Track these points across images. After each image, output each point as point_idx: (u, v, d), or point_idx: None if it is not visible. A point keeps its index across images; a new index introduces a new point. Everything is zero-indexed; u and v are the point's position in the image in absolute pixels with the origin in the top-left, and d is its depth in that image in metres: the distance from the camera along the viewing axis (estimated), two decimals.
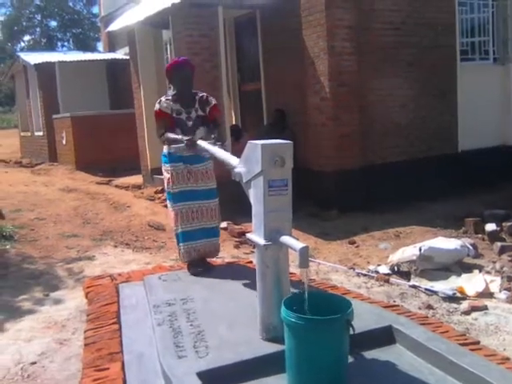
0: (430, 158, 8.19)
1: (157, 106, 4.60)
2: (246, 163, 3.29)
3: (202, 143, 4.24)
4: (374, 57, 7.90)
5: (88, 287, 4.64)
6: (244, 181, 3.32)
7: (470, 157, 8.44)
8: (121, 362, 3.14)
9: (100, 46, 29.60)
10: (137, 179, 10.83)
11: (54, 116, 14.54)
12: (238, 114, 10.40)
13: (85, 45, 37.59)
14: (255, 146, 3.14)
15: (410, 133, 8.22)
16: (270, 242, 3.06)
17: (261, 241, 3.10)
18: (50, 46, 39.17)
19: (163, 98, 4.62)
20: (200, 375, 2.78)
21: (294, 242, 2.92)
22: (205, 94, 4.70)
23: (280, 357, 2.84)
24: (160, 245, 6.64)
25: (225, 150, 4.04)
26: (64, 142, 13.86)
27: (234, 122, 9.91)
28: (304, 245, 2.81)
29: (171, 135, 4.45)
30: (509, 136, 9.16)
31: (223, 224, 7.14)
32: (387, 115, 8.06)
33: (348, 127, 7.74)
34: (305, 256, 2.79)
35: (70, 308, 4.68)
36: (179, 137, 4.38)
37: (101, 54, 17.45)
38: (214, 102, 4.69)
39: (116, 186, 10.86)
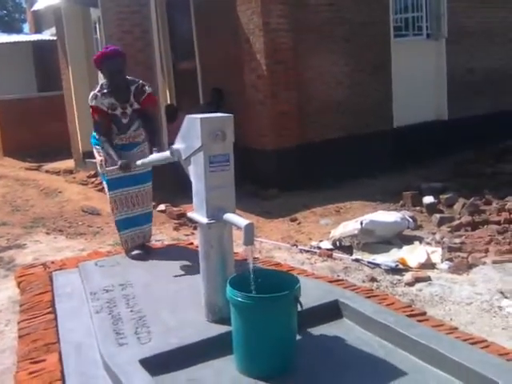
0: (367, 134, 8.20)
1: (93, 102, 4.29)
2: (185, 139, 3.15)
3: (138, 163, 4.07)
4: (309, 33, 7.80)
5: (20, 276, 4.45)
6: (183, 158, 3.18)
7: (405, 132, 8.53)
8: (58, 352, 3.00)
9: (26, 27, 28.38)
10: (68, 164, 10.43)
11: None
12: (173, 94, 10.15)
13: (10, 27, 35.97)
14: (194, 121, 3.01)
15: (346, 109, 8.20)
16: (213, 221, 2.94)
17: (203, 219, 2.97)
18: None
19: (98, 93, 4.28)
20: (143, 362, 2.66)
21: (239, 219, 2.82)
22: (141, 81, 4.42)
23: (227, 338, 2.76)
24: (95, 230, 6.40)
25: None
26: None
27: (169, 102, 9.66)
28: (249, 221, 2.71)
29: (109, 150, 4.23)
30: (443, 111, 9.30)
31: (161, 206, 6.98)
32: (324, 92, 8.01)
33: (286, 105, 7.66)
34: (250, 233, 2.69)
35: (2, 299, 4.44)
36: (114, 157, 4.17)
37: (27, 36, 16.67)
38: (148, 91, 4.42)
39: (46, 172, 10.44)
